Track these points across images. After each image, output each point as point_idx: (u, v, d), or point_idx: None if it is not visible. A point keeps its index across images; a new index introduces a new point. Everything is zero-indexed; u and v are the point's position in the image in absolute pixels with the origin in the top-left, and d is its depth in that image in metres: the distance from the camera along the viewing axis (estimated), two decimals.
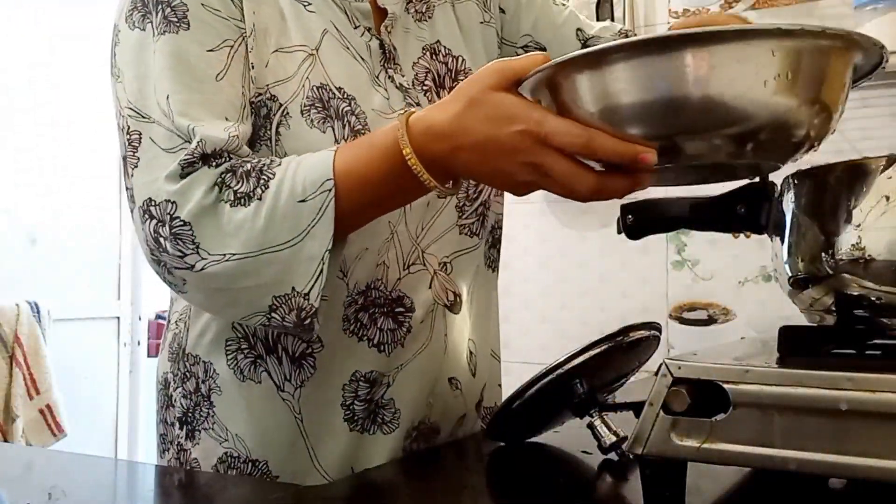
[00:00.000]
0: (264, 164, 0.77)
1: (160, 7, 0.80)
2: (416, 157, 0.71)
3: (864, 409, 0.54)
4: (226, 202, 0.75)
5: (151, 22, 0.81)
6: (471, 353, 0.98)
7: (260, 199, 0.75)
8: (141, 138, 0.79)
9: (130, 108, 0.80)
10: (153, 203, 0.76)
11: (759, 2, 2.01)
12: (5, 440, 2.25)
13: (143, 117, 0.79)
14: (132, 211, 0.80)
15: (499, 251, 1.04)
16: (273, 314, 0.76)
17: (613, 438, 0.82)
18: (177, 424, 0.91)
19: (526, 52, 1.04)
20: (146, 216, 0.77)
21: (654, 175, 0.68)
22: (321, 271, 0.74)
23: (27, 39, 2.58)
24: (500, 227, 1.03)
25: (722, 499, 0.69)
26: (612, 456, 0.83)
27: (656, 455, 0.60)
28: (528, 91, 0.69)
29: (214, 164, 0.77)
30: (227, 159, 0.77)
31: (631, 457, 0.63)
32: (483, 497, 0.77)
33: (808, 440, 0.55)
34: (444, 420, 0.95)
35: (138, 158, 0.79)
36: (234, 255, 0.74)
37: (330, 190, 0.74)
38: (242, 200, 0.75)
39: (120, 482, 0.86)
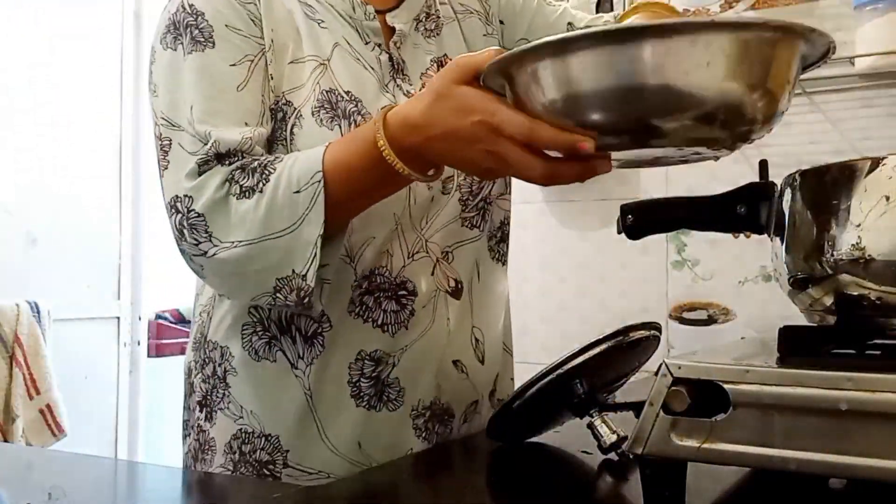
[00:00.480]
0: (268, 161, 0.85)
1: (189, 29, 0.90)
2: (389, 148, 0.78)
3: (864, 409, 0.54)
4: (233, 195, 0.84)
5: (182, 43, 0.90)
6: (477, 340, 1.03)
7: (261, 191, 0.83)
8: (171, 144, 0.88)
9: (164, 119, 0.89)
10: (178, 199, 0.86)
11: (759, 1, 2.02)
12: (5, 440, 2.25)
13: (174, 126, 0.88)
14: (166, 206, 0.88)
15: (507, 245, 1.11)
16: (277, 294, 0.84)
17: (613, 438, 0.82)
18: (197, 409, 0.98)
19: None
20: (172, 211, 0.86)
21: (607, 162, 0.71)
22: (315, 254, 0.82)
23: (27, 39, 2.58)
24: (508, 224, 1.10)
25: (722, 499, 0.69)
26: (612, 456, 0.83)
27: (656, 455, 0.60)
28: (494, 84, 0.72)
29: (228, 162, 0.85)
30: (240, 158, 0.86)
31: (631, 457, 0.63)
32: (483, 497, 0.77)
33: (808, 440, 0.55)
34: (456, 403, 0.99)
35: (168, 161, 0.88)
36: (240, 241, 0.82)
37: (319, 181, 0.81)
38: (247, 193, 0.83)
39: (120, 482, 0.86)
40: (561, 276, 2.25)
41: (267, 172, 0.84)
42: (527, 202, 2.26)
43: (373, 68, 0.96)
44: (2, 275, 2.46)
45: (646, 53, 0.61)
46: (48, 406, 2.37)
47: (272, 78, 0.92)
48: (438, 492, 0.81)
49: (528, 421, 0.90)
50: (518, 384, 0.86)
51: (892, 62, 1.71)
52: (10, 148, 2.52)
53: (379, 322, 0.94)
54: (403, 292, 0.95)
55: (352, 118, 0.92)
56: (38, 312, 2.40)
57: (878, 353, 0.65)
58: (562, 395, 0.84)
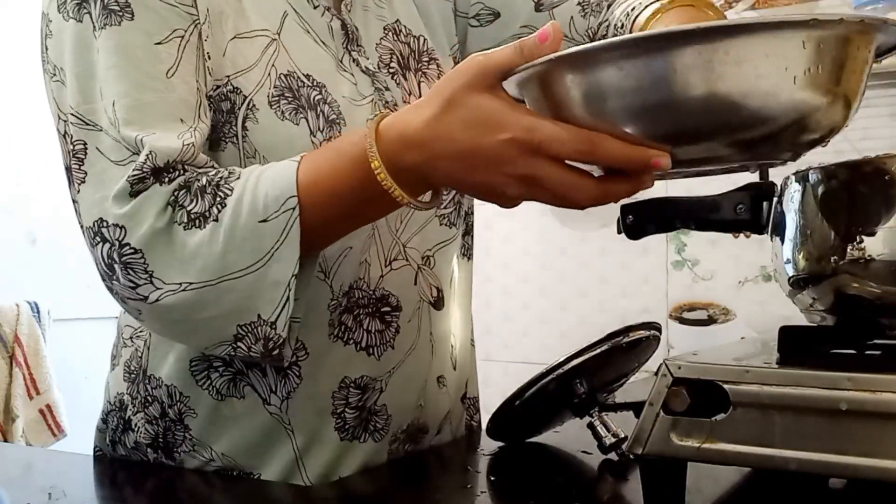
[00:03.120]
0: (221, 178, 0.70)
1: None
2: (385, 172, 0.65)
3: (864, 409, 0.54)
4: (179, 224, 0.69)
5: (90, 12, 0.72)
6: (452, 346, 0.95)
7: (216, 219, 0.68)
8: (86, 149, 0.72)
9: (74, 115, 0.73)
10: (105, 224, 0.70)
11: (759, 1, 2.02)
12: (5, 440, 2.25)
13: (89, 125, 0.72)
14: (81, 228, 0.73)
15: (472, 238, 1.00)
16: (238, 344, 0.70)
17: (613, 438, 0.82)
18: (148, 449, 0.85)
19: (478, 20, 1.00)
20: (97, 238, 0.71)
21: (653, 176, 0.63)
22: (287, 298, 0.68)
23: (27, 39, 2.58)
24: (472, 214, 0.99)
25: (722, 499, 0.69)
26: (612, 456, 0.83)
27: (656, 455, 0.60)
28: (513, 86, 0.63)
29: (167, 179, 0.70)
30: (181, 172, 0.70)
31: (631, 457, 0.63)
32: (483, 497, 0.77)
33: (808, 440, 0.55)
34: (432, 418, 0.92)
35: (85, 172, 0.72)
36: (190, 284, 0.68)
37: (294, 208, 0.67)
38: (197, 222, 0.68)
39: (119, 482, 0.86)
40: (561, 276, 2.25)
41: (222, 194, 0.69)
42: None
43: (325, 42, 0.83)
44: (2, 275, 2.46)
45: (754, 51, 0.55)
46: (48, 406, 2.37)
47: (209, 57, 0.75)
48: (438, 491, 0.81)
49: (528, 421, 0.90)
50: (514, 386, 0.86)
51: (893, 62, 1.70)
52: (10, 148, 2.52)
53: (363, 344, 0.83)
54: (386, 308, 0.84)
55: (318, 108, 0.78)
56: (38, 312, 2.40)
57: (878, 353, 0.65)
58: (562, 395, 0.84)
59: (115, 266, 0.70)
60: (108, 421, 0.89)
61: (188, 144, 0.71)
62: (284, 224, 0.67)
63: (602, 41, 0.58)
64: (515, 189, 0.62)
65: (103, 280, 0.73)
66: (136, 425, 0.85)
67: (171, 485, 0.82)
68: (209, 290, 0.68)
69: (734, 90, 0.56)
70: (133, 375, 0.86)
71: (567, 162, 0.61)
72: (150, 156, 0.69)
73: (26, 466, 0.95)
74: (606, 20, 0.97)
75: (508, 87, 0.63)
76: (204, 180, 0.70)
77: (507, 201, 0.65)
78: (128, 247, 0.69)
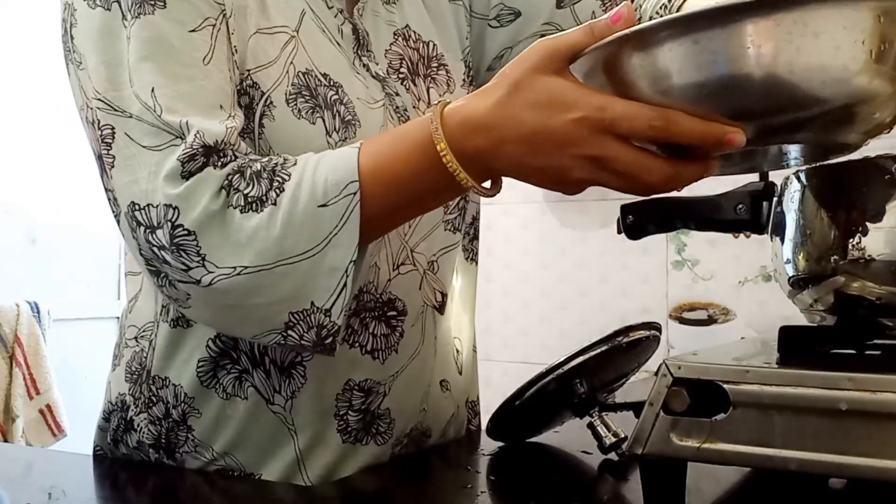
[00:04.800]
0: (277, 164, 0.69)
1: None
2: (451, 154, 0.64)
3: (864, 409, 0.54)
4: (235, 208, 0.67)
5: (118, 1, 0.71)
6: (457, 350, 0.95)
7: (275, 203, 0.67)
8: (114, 133, 0.71)
9: (100, 100, 0.71)
10: (137, 207, 0.69)
11: None
12: (5, 440, 2.25)
13: (116, 111, 0.71)
14: (116, 217, 0.73)
15: (478, 243, 1.00)
16: (290, 332, 0.69)
17: (613, 438, 0.82)
18: (150, 449, 0.85)
19: (499, 21, 0.99)
20: (133, 222, 0.70)
21: (719, 161, 0.62)
22: (345, 284, 0.67)
23: (28, 39, 2.58)
24: (478, 219, 0.99)
25: (722, 499, 0.69)
26: (612, 456, 0.83)
27: (656, 455, 0.60)
28: (578, 71, 0.61)
29: (220, 163, 0.69)
30: (232, 158, 0.70)
31: (630, 456, 0.63)
32: (483, 497, 0.77)
33: (808, 440, 0.55)
34: (435, 423, 0.92)
35: (114, 157, 0.71)
36: (246, 267, 0.67)
37: (354, 193, 0.66)
38: (254, 205, 0.67)
39: (119, 482, 0.86)
40: (561, 276, 2.25)
41: (279, 179, 0.68)
42: (527, 202, 2.26)
43: (339, 43, 0.82)
44: (2, 275, 2.46)
45: (831, 23, 0.53)
46: (48, 406, 2.37)
47: (236, 51, 0.75)
48: (438, 491, 0.81)
49: (528, 421, 0.90)
50: (514, 386, 0.86)
51: None
52: (10, 148, 2.52)
53: (368, 347, 0.83)
54: (392, 312, 0.84)
55: (335, 107, 0.78)
56: (38, 312, 2.40)
57: (878, 353, 0.65)
58: (562, 395, 0.84)
59: (156, 249, 0.69)
60: (110, 420, 0.89)
61: (231, 128, 0.70)
62: (344, 209, 0.66)
63: (675, 14, 0.57)
64: (583, 172, 0.61)
65: (146, 265, 0.71)
66: (138, 425, 0.85)
67: (172, 485, 0.82)
68: (265, 275, 0.67)
69: (813, 62, 0.54)
70: (135, 376, 0.86)
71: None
72: (198, 135, 0.68)
73: (26, 466, 0.95)
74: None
75: (575, 73, 0.62)
76: (258, 166, 0.69)
77: (572, 186, 0.64)
78: (181, 228, 0.67)
